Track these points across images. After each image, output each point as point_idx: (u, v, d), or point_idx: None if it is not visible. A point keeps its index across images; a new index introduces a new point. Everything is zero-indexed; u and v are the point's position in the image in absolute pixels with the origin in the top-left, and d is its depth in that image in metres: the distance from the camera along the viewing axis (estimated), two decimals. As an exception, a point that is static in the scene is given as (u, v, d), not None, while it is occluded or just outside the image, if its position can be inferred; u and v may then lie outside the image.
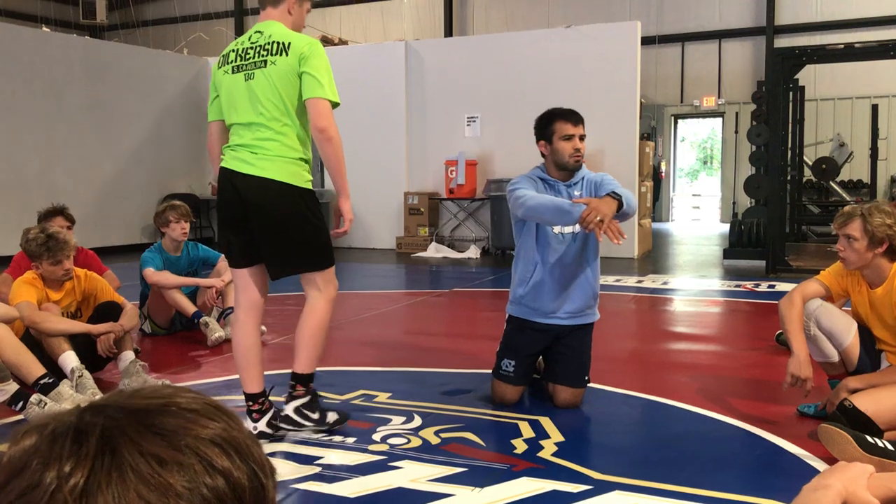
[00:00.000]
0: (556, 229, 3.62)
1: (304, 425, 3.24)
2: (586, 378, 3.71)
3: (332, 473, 2.89)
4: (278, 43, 3.11)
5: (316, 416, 3.24)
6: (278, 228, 3.13)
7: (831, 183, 12.91)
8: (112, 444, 0.55)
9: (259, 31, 3.20)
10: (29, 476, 0.54)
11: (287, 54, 3.08)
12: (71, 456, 0.54)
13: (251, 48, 3.16)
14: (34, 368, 3.66)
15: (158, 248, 5.42)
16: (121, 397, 0.61)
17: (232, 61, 3.21)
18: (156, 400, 0.61)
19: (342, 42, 13.35)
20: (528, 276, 3.69)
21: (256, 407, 3.27)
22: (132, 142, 11.70)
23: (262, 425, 3.24)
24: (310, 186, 3.20)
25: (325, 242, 3.26)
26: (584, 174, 3.73)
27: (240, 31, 18.82)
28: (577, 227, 3.48)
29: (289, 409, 3.23)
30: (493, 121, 10.93)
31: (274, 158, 3.10)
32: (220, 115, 3.28)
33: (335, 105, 3.13)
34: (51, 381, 3.65)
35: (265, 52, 3.12)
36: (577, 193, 3.64)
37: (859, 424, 3.00)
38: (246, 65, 3.15)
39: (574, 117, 3.68)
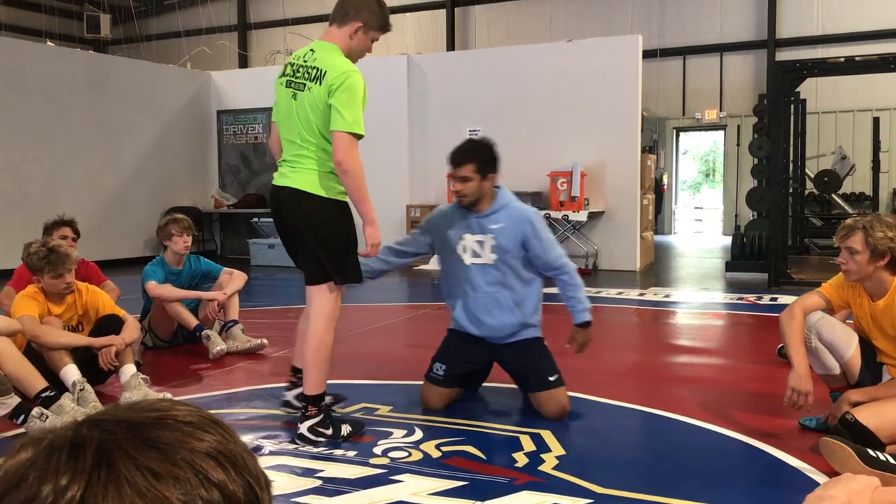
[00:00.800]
0: (467, 260, 3.70)
1: (319, 442, 3.31)
2: (552, 379, 3.72)
3: (333, 487, 2.88)
4: (318, 69, 3.20)
5: (329, 431, 3.34)
6: (305, 236, 3.29)
7: (833, 195, 12.90)
8: (108, 457, 0.56)
9: (313, 50, 3.30)
10: (26, 489, 0.54)
11: (321, 84, 3.18)
12: (68, 469, 0.55)
13: (302, 66, 3.27)
14: (36, 382, 3.67)
15: (161, 262, 5.43)
16: (118, 411, 0.61)
17: (288, 74, 3.33)
18: (152, 413, 0.61)
19: (345, 56, 13.39)
20: (447, 300, 3.90)
21: (293, 380, 3.72)
22: (135, 155, 11.73)
23: (291, 395, 3.72)
24: (340, 198, 3.31)
25: (348, 255, 3.37)
26: (508, 207, 3.71)
27: (243, 45, 18.91)
28: (492, 258, 3.69)
29: (303, 429, 3.32)
30: (495, 134, 10.77)
31: (306, 171, 3.26)
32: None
33: (360, 137, 3.20)
34: (52, 394, 3.65)
35: (307, 76, 3.23)
36: (492, 226, 3.67)
37: (861, 438, 2.99)
38: (294, 83, 3.28)
39: (453, 158, 3.63)
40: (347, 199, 3.33)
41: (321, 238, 3.29)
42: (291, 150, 3.29)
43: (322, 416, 3.34)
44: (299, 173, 3.26)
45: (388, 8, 3.45)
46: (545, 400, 3.69)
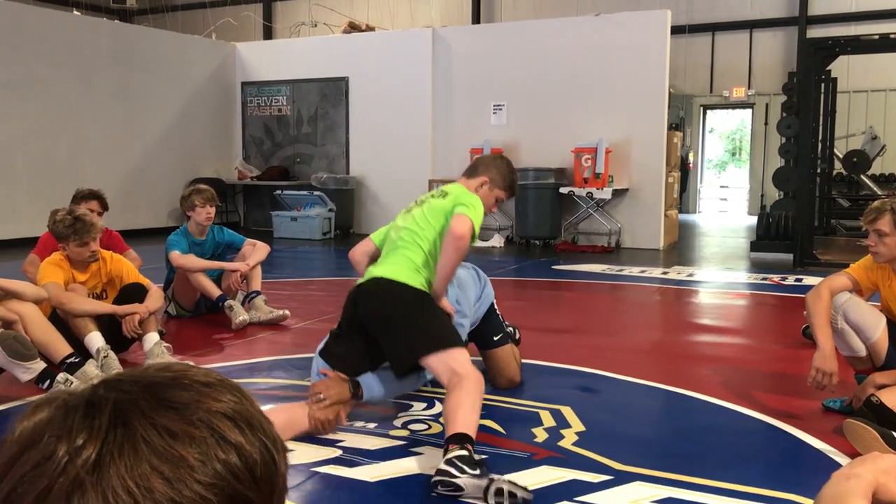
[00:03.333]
0: None
1: (457, 477, 2.47)
2: (496, 339, 3.80)
3: (353, 458, 2.90)
4: (443, 192, 3.42)
5: (477, 471, 2.49)
6: None
7: (862, 176, 12.69)
8: (124, 417, 0.56)
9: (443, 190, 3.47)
10: (42, 448, 0.54)
11: (446, 197, 3.36)
12: (83, 429, 0.55)
13: (425, 198, 3.48)
14: (61, 348, 3.71)
15: (184, 232, 5.46)
16: (134, 372, 0.61)
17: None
18: (168, 374, 0.61)
19: (370, 28, 13.33)
20: None
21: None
22: (160, 126, 11.78)
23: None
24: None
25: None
26: None
27: (268, 16, 18.85)
28: None
29: (442, 464, 2.53)
30: (520, 109, 10.87)
31: None
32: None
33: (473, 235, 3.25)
34: (77, 360, 3.70)
35: (433, 197, 3.43)
36: None
37: (886, 420, 2.96)
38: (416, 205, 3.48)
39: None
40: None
41: None
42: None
43: (469, 454, 2.56)
44: None
45: (517, 173, 3.64)
46: (491, 361, 3.80)
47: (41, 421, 0.56)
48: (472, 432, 2.66)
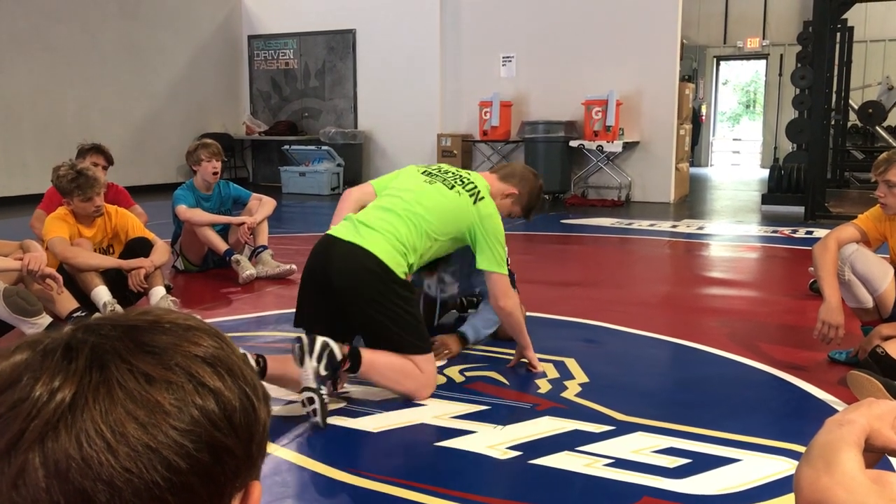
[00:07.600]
0: None
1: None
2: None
3: (357, 408, 2.92)
4: (475, 186, 3.23)
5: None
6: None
7: (877, 128, 12.52)
8: (101, 360, 0.55)
9: (467, 173, 3.37)
10: (19, 390, 0.54)
11: (476, 202, 3.18)
12: (60, 371, 0.54)
13: (451, 171, 3.33)
14: (67, 302, 3.73)
15: (190, 187, 5.45)
16: (115, 316, 0.61)
17: (428, 171, 3.33)
18: (147, 317, 0.60)
19: (377, -20, 13.12)
20: None
21: None
22: (167, 80, 11.70)
23: None
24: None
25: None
26: None
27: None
28: None
29: None
30: (529, 61, 10.72)
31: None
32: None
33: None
34: (83, 314, 3.71)
35: (459, 181, 3.24)
36: None
37: (891, 372, 2.95)
38: (437, 176, 3.27)
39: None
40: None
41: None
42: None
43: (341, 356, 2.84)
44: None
45: (544, 203, 3.58)
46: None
47: (20, 363, 0.56)
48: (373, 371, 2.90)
